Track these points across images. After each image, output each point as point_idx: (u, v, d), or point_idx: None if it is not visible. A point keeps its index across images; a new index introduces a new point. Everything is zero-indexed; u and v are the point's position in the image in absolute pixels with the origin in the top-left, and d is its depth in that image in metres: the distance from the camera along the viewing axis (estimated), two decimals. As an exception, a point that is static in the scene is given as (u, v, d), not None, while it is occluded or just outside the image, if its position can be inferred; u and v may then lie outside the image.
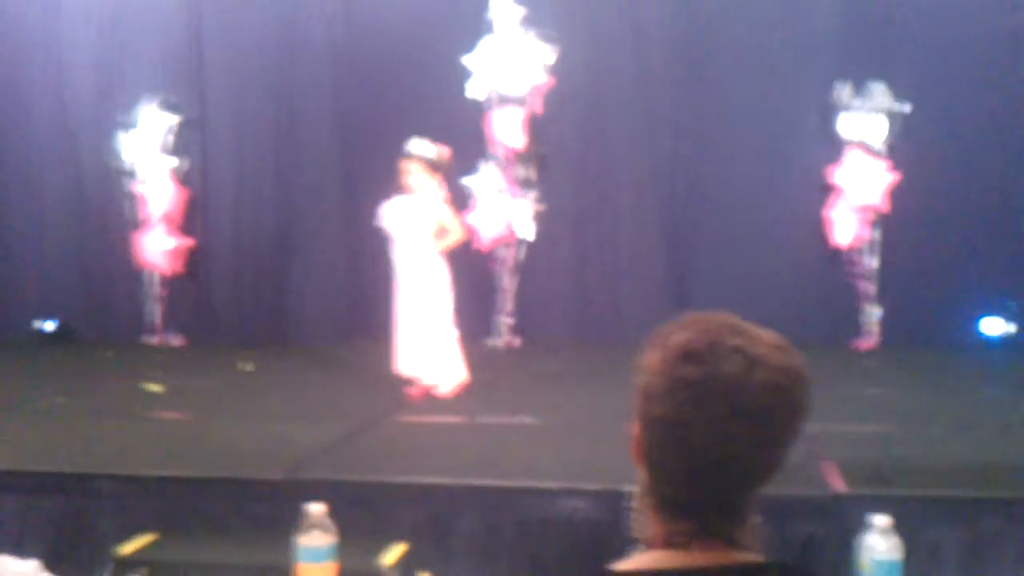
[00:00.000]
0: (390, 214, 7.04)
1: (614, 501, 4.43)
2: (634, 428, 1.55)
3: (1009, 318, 8.73)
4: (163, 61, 9.79)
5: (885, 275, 8.82)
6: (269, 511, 4.70)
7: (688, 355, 1.48)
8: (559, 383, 7.59)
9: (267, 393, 7.37)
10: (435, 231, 7.00)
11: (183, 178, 9.62)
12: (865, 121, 8.65)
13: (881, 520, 2.90)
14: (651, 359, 1.52)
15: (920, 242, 8.79)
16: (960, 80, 8.69)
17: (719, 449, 1.46)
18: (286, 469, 4.98)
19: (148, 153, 9.47)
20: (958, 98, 8.68)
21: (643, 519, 1.60)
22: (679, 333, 1.51)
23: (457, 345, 7.05)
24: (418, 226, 6.96)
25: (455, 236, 7.09)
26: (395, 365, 7.01)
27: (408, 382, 7.00)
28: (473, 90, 8.87)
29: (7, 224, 10.14)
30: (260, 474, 4.94)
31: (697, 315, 1.54)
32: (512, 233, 9.01)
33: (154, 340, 9.60)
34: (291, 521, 3.41)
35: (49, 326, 9.84)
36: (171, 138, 9.51)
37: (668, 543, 1.53)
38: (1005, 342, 8.69)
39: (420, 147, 6.98)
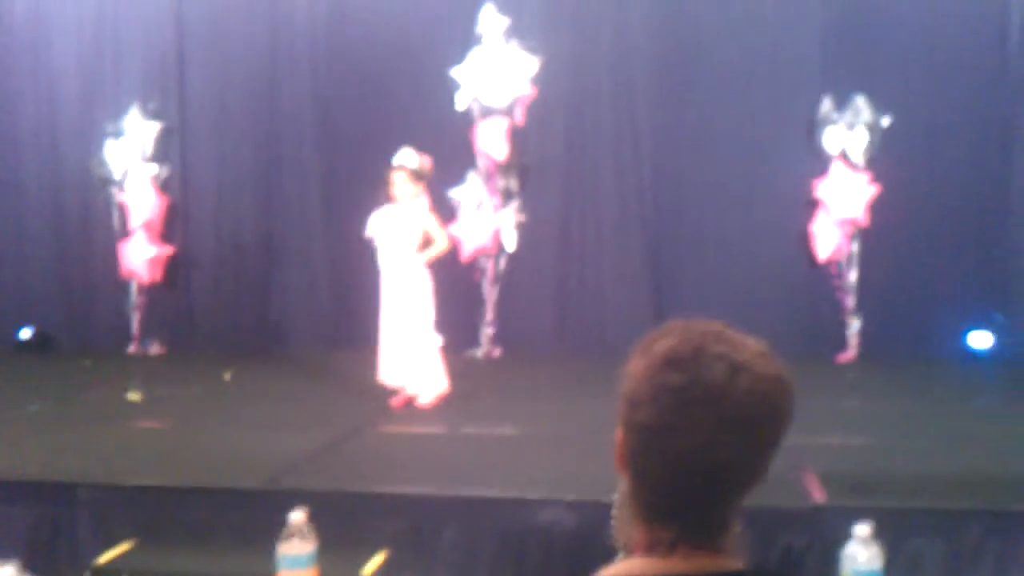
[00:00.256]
0: (376, 223, 7.03)
1: (595, 512, 4.43)
2: (618, 435, 1.55)
3: (996, 331, 8.75)
4: (146, 70, 9.76)
5: (867, 288, 8.84)
6: (249, 520, 4.67)
7: (672, 361, 1.47)
8: (540, 394, 7.58)
9: (248, 402, 7.34)
10: (421, 241, 7.00)
11: (164, 186, 9.58)
12: (847, 135, 8.68)
13: (862, 529, 2.91)
14: (636, 365, 1.51)
15: (902, 255, 8.81)
16: (942, 93, 8.75)
17: (703, 456, 1.46)
18: (267, 478, 4.96)
19: (130, 161, 9.43)
20: (940, 111, 8.74)
21: (625, 526, 1.59)
22: (664, 340, 1.50)
23: (439, 355, 7.04)
24: (404, 235, 6.96)
25: (441, 246, 7.09)
26: (378, 374, 6.99)
27: (391, 392, 6.98)
28: (458, 102, 8.86)
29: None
30: (240, 483, 4.92)
31: (682, 322, 1.54)
32: (494, 244, 9.01)
33: (133, 349, 9.55)
34: (271, 530, 3.39)
35: (26, 334, 9.79)
36: (152, 146, 9.46)
37: (650, 550, 1.52)
38: (990, 355, 8.71)
39: (406, 157, 6.98)
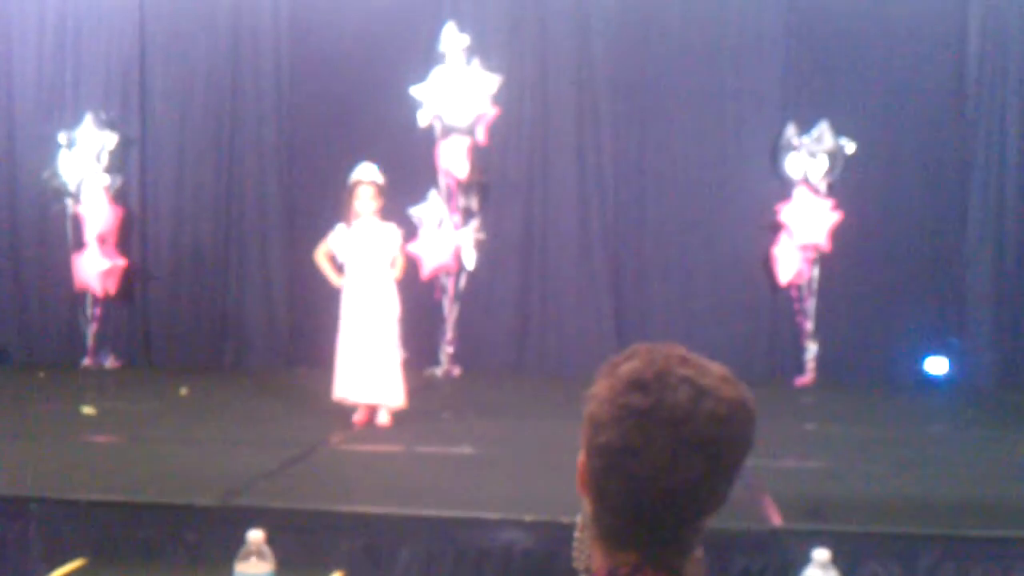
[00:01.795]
0: (341, 238, 6.97)
1: (553, 532, 4.42)
2: (580, 458, 1.54)
3: (952, 357, 8.82)
4: (107, 81, 9.70)
5: (826, 313, 8.90)
6: (203, 538, 4.62)
7: (636, 384, 1.47)
8: (499, 413, 7.56)
9: (204, 418, 7.28)
10: (389, 258, 6.95)
11: (121, 198, 9.49)
12: (810, 160, 8.73)
13: (821, 554, 2.91)
14: (599, 388, 1.51)
15: (861, 280, 8.88)
16: (901, 122, 8.85)
17: (665, 478, 1.46)
18: (222, 496, 4.91)
19: (86, 172, 9.32)
20: (899, 139, 8.85)
21: (586, 550, 1.59)
22: (628, 362, 1.50)
23: (400, 373, 6.98)
24: (372, 251, 6.90)
25: (400, 263, 7.06)
26: (335, 392, 6.93)
27: (349, 409, 6.93)
28: (421, 119, 8.85)
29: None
30: (195, 500, 4.87)
31: (646, 345, 1.53)
32: (454, 262, 8.99)
33: (88, 362, 9.44)
34: (226, 549, 3.35)
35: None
36: (109, 157, 9.36)
37: (612, 574, 1.52)
38: (946, 381, 8.78)
39: (372, 172, 6.94)
